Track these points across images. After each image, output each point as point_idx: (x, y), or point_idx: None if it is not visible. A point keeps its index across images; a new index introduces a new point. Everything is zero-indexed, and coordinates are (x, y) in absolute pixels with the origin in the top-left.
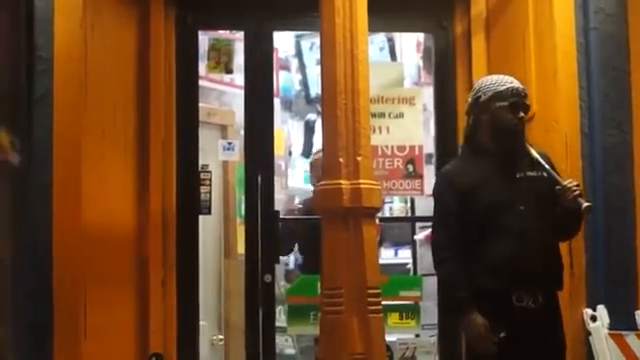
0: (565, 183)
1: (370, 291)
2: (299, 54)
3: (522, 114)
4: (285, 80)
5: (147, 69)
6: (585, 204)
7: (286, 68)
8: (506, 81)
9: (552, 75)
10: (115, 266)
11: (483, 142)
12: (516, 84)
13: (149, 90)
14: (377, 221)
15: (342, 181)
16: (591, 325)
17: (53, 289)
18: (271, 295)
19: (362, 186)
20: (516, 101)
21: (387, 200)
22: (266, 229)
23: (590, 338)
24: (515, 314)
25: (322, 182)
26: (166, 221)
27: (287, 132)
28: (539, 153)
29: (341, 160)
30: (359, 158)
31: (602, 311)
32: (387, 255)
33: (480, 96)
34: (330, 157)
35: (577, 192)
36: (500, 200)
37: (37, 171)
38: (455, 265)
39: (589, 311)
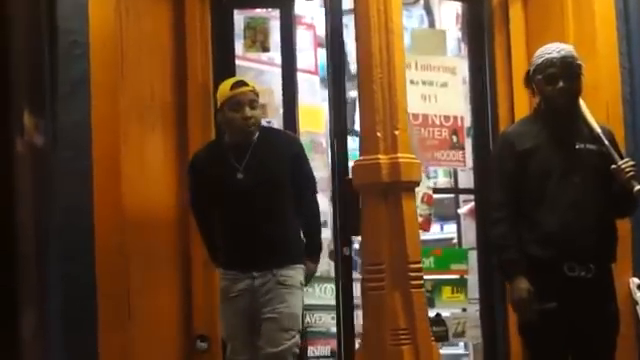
0: (620, 163)
1: (411, 266)
2: None
3: (562, 84)
4: (324, 58)
5: (183, 50)
6: (637, 187)
7: (325, 45)
8: (545, 52)
9: (591, 42)
10: (157, 249)
11: (545, 110)
12: (554, 54)
13: (186, 71)
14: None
15: (380, 156)
16: (638, 294)
17: (96, 274)
18: (350, 269)
19: (401, 160)
20: (552, 72)
21: (432, 175)
22: (342, 199)
23: (637, 307)
24: (567, 284)
25: (360, 157)
26: None
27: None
28: (602, 127)
29: (379, 134)
30: (397, 132)
31: None
32: (433, 230)
33: (530, 70)
34: (368, 132)
35: (631, 173)
36: (555, 168)
37: (77, 156)
38: (507, 227)
39: (636, 280)
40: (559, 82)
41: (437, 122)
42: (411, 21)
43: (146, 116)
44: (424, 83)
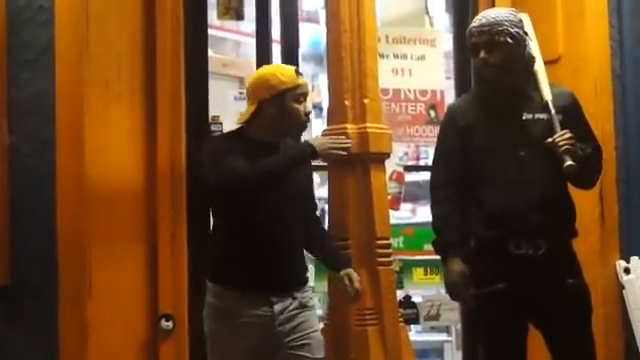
0: (555, 136)
1: (379, 242)
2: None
3: (482, 54)
4: (314, 34)
5: (152, 16)
6: (567, 163)
7: (315, 21)
8: (472, 22)
9: (579, 13)
10: (122, 223)
11: (482, 82)
12: (475, 23)
13: (155, 39)
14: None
15: (348, 125)
16: (624, 278)
17: (57, 249)
18: None
19: (369, 130)
20: (474, 42)
21: (422, 155)
22: None
23: (624, 292)
24: (515, 263)
25: (327, 127)
26: (175, 174)
27: (317, 87)
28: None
29: (347, 103)
30: (366, 100)
31: (636, 263)
32: (425, 212)
33: None
34: (335, 100)
35: (565, 147)
36: (498, 142)
37: (40, 125)
38: (448, 207)
39: (622, 263)
40: (480, 52)
41: (411, 97)
42: None
43: (112, 84)
44: (396, 56)
